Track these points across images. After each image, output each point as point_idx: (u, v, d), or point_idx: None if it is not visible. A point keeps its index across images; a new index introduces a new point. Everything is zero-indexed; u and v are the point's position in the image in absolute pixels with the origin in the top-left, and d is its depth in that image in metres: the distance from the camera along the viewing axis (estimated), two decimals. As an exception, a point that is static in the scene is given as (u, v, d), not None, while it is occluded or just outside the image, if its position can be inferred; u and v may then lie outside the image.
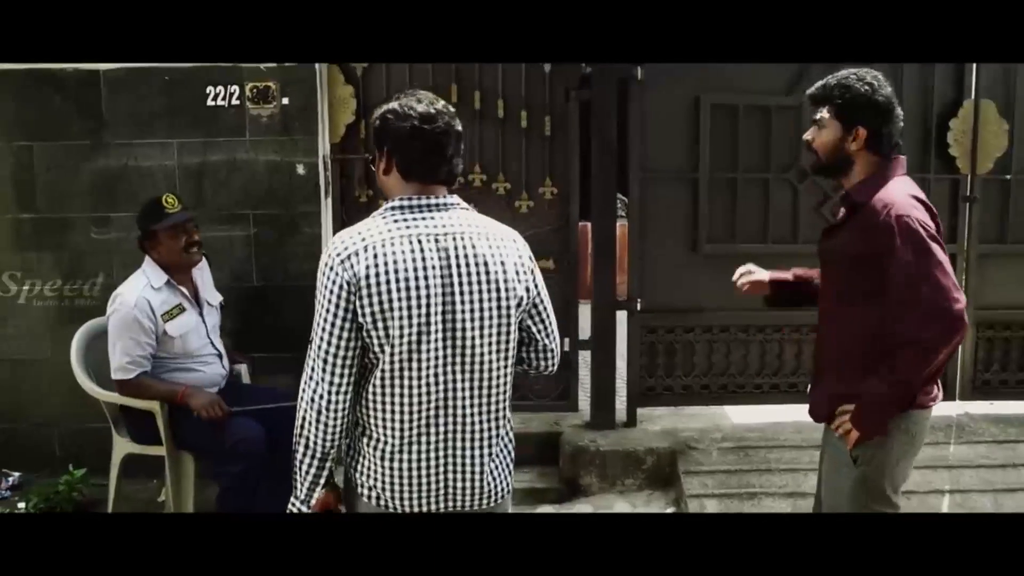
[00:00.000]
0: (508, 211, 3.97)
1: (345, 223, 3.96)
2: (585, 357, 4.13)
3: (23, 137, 3.79)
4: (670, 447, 3.86)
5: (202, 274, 3.39)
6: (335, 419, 1.82)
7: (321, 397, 1.80)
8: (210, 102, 3.79)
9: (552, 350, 2.01)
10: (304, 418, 1.83)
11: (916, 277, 2.09)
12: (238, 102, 3.79)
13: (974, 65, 4.06)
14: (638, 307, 4.07)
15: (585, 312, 4.10)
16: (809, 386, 2.49)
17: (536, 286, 1.94)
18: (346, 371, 1.80)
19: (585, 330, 4.10)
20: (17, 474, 3.85)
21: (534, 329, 1.97)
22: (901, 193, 2.17)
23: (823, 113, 2.26)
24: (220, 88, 3.79)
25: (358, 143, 3.96)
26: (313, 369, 1.82)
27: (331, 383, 1.80)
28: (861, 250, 2.19)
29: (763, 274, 2.59)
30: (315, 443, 1.84)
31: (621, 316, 4.08)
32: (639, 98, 3.99)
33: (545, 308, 1.97)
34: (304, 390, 1.84)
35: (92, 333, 3.44)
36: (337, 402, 1.81)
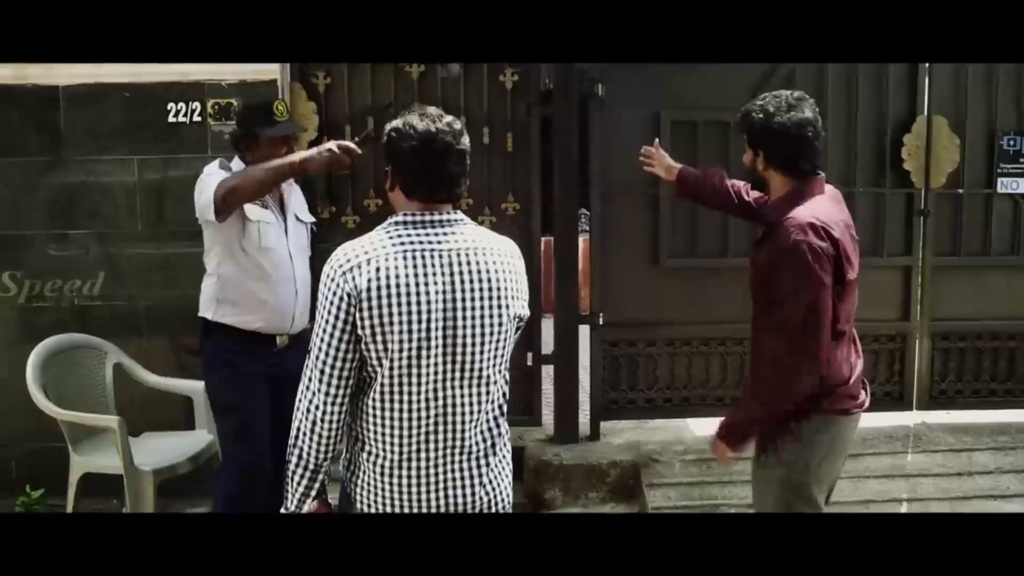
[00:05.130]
0: (471, 226, 3.97)
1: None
2: (548, 371, 4.14)
3: (-20, 154, 3.76)
4: (633, 460, 3.88)
5: (292, 189, 3.18)
6: (329, 431, 1.82)
7: (317, 408, 1.80)
8: (171, 119, 3.78)
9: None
10: (299, 428, 1.84)
11: (787, 325, 2.18)
12: (199, 119, 3.78)
13: (927, 82, 4.15)
14: (601, 321, 4.10)
15: (548, 326, 4.11)
16: None
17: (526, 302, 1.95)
18: (343, 383, 1.80)
19: (548, 344, 4.11)
20: (-27, 496, 3.79)
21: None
22: (808, 217, 2.19)
23: (744, 137, 2.41)
24: (181, 105, 3.78)
25: (320, 159, 3.95)
26: (310, 379, 1.82)
27: (327, 394, 1.80)
28: (769, 271, 2.27)
29: (668, 162, 2.96)
30: (307, 454, 1.84)
31: (584, 330, 4.11)
32: (600, 114, 4.03)
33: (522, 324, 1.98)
34: (300, 400, 1.84)
35: (48, 352, 3.40)
36: (332, 414, 1.81)
